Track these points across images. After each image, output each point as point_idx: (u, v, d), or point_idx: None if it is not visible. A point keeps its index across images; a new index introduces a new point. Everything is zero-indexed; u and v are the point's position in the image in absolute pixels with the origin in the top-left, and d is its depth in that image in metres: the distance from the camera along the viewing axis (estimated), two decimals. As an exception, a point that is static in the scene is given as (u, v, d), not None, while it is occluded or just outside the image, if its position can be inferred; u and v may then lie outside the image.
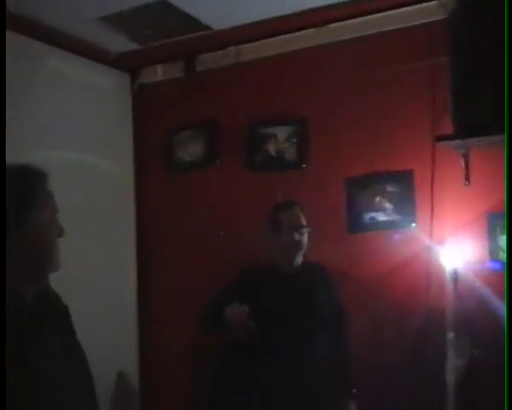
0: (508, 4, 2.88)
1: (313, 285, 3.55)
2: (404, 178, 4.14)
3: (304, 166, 4.43)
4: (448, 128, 3.86)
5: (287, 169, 4.48)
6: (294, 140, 4.48)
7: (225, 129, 4.71)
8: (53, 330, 1.90)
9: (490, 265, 3.88)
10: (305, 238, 3.58)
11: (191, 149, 4.78)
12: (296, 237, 3.54)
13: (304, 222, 3.59)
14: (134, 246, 4.90)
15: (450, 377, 3.39)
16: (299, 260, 3.59)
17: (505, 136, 1.91)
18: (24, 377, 1.73)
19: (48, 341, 1.85)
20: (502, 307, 3.67)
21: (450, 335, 3.52)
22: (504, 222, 3.85)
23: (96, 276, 4.37)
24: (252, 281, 3.54)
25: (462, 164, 3.91)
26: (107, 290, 4.48)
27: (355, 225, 4.25)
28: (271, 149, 4.53)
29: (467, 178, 3.92)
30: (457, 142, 3.84)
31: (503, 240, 3.85)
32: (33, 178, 1.90)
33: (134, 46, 4.66)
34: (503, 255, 3.85)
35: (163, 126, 4.93)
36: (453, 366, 3.39)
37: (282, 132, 4.51)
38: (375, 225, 4.19)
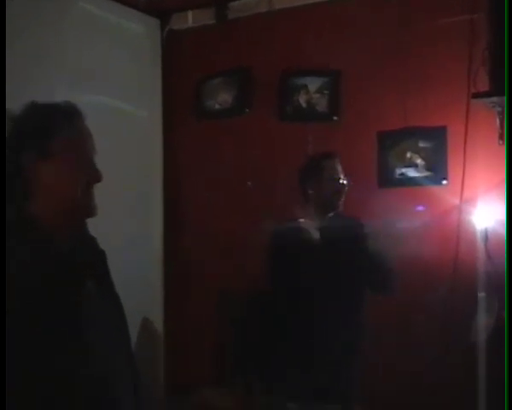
0: (508, 4, 2.83)
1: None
2: (437, 135, 4.10)
3: (335, 118, 4.40)
4: (483, 86, 3.83)
5: (317, 121, 4.44)
6: (326, 92, 4.43)
7: (256, 78, 4.66)
8: (91, 274, 1.90)
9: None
10: (343, 191, 3.57)
11: (221, 97, 4.75)
12: (339, 184, 3.53)
13: (342, 176, 3.58)
14: (161, 191, 4.90)
15: (479, 336, 3.40)
16: (340, 208, 3.58)
17: (505, 135, 1.86)
18: (66, 320, 1.74)
19: (86, 286, 1.86)
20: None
21: (480, 294, 3.51)
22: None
23: (123, 221, 4.38)
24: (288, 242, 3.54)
25: (497, 123, 3.87)
26: (134, 234, 4.51)
27: (386, 179, 4.23)
28: (302, 100, 4.50)
29: (501, 137, 3.88)
30: (493, 99, 3.80)
31: (535, 200, 3.82)
32: (59, 114, 1.86)
33: (165, -9, 4.60)
34: (535, 216, 3.83)
35: (192, 73, 4.88)
36: (482, 324, 3.40)
37: (313, 84, 4.47)
38: (406, 181, 4.17)
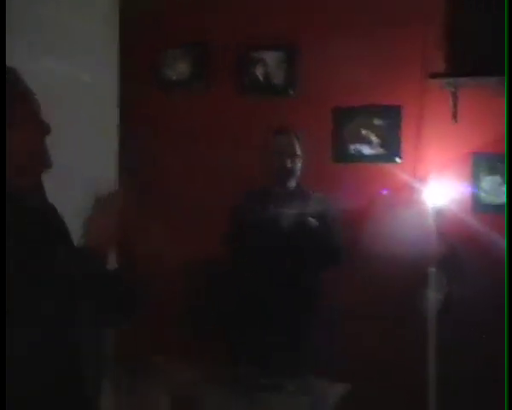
0: (508, 4, 2.86)
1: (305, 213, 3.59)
2: (392, 113, 4.17)
3: (292, 92, 4.42)
4: (437, 67, 3.91)
5: (274, 94, 4.46)
6: (283, 66, 4.44)
7: (214, 50, 4.63)
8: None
9: (471, 204, 3.98)
10: (298, 165, 3.62)
11: (178, 68, 4.70)
12: (288, 163, 3.59)
13: (297, 150, 3.63)
14: (117, 160, 4.85)
15: (430, 309, 3.51)
16: (292, 184, 3.64)
17: (505, 135, 1.90)
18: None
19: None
20: (480, 247, 3.79)
21: (431, 270, 3.61)
22: (488, 164, 3.96)
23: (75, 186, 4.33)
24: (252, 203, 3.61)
25: (451, 103, 3.96)
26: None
27: (340, 155, 4.29)
28: (259, 73, 4.50)
29: (454, 116, 3.98)
30: (448, 80, 3.89)
31: (486, 181, 3.95)
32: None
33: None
34: (485, 196, 3.95)
35: (150, 43, 4.82)
36: (432, 298, 3.51)
37: (271, 57, 4.47)
38: (360, 157, 4.24)
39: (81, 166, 4.42)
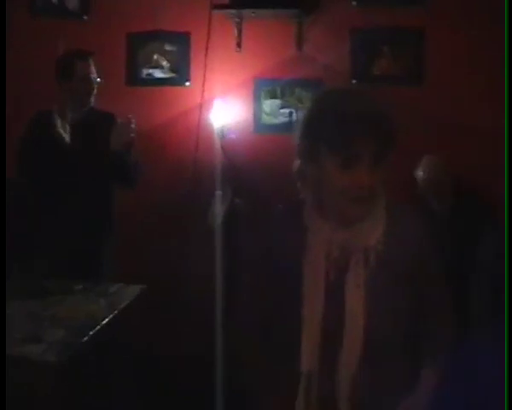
0: (508, 4, 2.91)
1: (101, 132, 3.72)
2: (182, 40, 4.46)
3: (85, 17, 4.55)
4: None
5: (68, 19, 4.56)
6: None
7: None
8: None
9: (253, 125, 4.38)
10: (95, 88, 3.77)
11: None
12: (86, 86, 3.71)
13: (94, 71, 3.76)
14: None
15: (216, 220, 3.88)
16: (89, 106, 3.77)
17: (505, 132, 2.14)
18: None
19: None
20: (260, 163, 4.21)
21: (217, 184, 3.96)
22: (268, 88, 4.36)
23: None
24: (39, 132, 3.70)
25: (235, 32, 4.30)
26: None
27: (134, 79, 4.52)
28: (53, -4, 4.57)
29: (238, 45, 4.33)
30: (232, 11, 4.22)
31: (266, 104, 4.37)
32: None
33: None
34: (266, 117, 4.36)
35: None
36: (218, 211, 3.88)
37: (64, -18, 4.56)
38: (153, 81, 4.51)
39: None
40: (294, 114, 4.32)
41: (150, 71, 4.50)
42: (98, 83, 3.75)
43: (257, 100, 4.37)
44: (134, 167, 3.72)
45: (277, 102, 4.37)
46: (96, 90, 3.79)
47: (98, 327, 2.76)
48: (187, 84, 4.45)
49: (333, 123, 1.65)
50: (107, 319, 2.85)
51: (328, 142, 1.67)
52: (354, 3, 4.25)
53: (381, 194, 1.77)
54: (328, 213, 1.76)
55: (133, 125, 3.60)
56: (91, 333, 2.69)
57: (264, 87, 4.36)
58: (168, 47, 4.48)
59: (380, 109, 1.69)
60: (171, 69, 4.48)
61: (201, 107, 4.34)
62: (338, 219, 1.75)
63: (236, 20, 4.26)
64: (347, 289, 1.75)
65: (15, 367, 2.48)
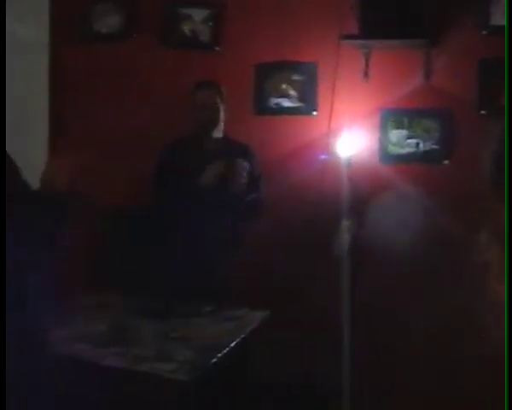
0: (508, 4, 2.96)
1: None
2: (309, 69, 4.53)
3: (217, 48, 4.71)
4: (352, 29, 4.25)
5: (201, 50, 4.73)
6: (210, 23, 4.72)
7: (143, 4, 4.85)
8: None
9: (379, 155, 4.38)
10: (221, 115, 3.92)
11: (108, 22, 4.89)
12: (208, 114, 3.88)
13: (218, 100, 3.92)
14: (47, 112, 4.99)
15: (341, 250, 3.89)
16: (218, 134, 3.93)
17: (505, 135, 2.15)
18: None
19: None
20: (385, 193, 4.20)
21: (342, 216, 3.98)
22: (395, 119, 4.36)
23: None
24: (172, 157, 3.88)
25: (363, 62, 4.34)
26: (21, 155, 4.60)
27: (262, 108, 4.62)
28: (187, 29, 4.75)
29: (366, 74, 4.36)
30: (361, 41, 4.25)
31: (393, 134, 4.35)
32: None
33: None
34: (392, 148, 4.36)
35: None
36: (343, 241, 3.89)
37: (198, 14, 4.73)
38: (280, 110, 4.59)
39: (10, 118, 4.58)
40: (421, 145, 4.30)
41: (278, 100, 4.59)
42: (219, 112, 3.90)
43: (383, 130, 4.37)
44: (259, 204, 3.94)
45: (404, 132, 4.36)
46: (222, 119, 3.94)
47: (226, 349, 2.83)
48: (314, 113, 4.51)
49: None
50: (234, 342, 2.92)
51: None
52: (484, 32, 4.19)
53: None
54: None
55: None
56: (220, 355, 2.77)
57: (391, 117, 4.36)
58: (296, 77, 4.56)
59: None
60: (299, 98, 4.56)
61: (328, 136, 4.38)
62: None
63: (365, 50, 4.29)
64: None
65: (145, 382, 2.59)
